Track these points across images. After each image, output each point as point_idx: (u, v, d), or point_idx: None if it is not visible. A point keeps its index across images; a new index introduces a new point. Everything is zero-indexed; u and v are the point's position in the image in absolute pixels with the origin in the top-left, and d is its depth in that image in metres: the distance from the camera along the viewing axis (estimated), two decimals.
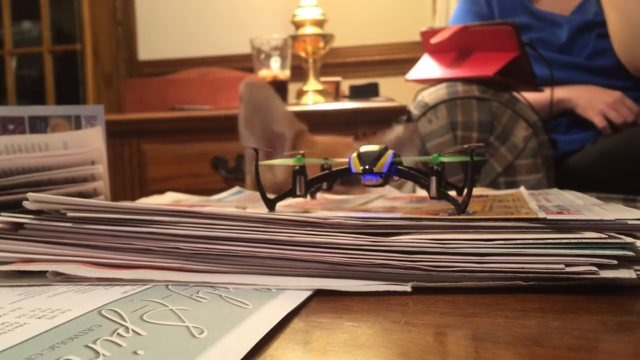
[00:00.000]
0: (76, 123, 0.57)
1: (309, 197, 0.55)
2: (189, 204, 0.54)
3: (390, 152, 0.44)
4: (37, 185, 0.51)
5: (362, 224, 0.37)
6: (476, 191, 0.68)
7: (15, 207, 0.40)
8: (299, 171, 0.46)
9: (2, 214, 0.38)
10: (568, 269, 0.33)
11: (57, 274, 0.35)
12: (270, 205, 0.45)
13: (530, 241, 0.34)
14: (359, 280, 0.35)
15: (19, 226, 0.38)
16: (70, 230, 0.37)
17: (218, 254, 0.36)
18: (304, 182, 0.46)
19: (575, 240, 0.33)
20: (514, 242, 0.34)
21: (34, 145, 0.53)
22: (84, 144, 0.54)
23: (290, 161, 0.46)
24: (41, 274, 0.36)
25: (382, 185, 0.44)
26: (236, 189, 0.68)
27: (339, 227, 0.36)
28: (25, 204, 0.37)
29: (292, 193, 0.46)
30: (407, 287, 0.33)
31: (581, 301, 0.32)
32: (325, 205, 0.55)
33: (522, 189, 0.63)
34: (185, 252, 0.36)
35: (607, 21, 1.20)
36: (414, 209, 0.46)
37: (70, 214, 0.37)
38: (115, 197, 0.66)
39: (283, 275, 0.36)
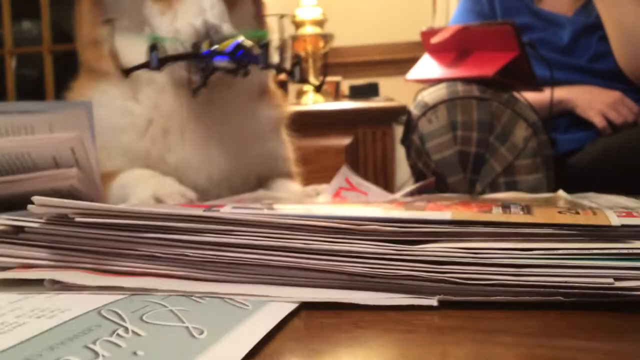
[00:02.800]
0: None
1: (324, 194, 0.55)
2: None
3: (239, 37, 0.51)
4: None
5: (400, 230, 0.33)
6: (506, 196, 0.65)
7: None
8: (153, 47, 0.54)
9: (2, 216, 0.37)
10: (617, 284, 0.29)
11: (54, 282, 0.33)
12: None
13: (574, 251, 0.30)
14: (381, 292, 0.32)
15: (19, 229, 0.36)
16: (72, 235, 0.35)
17: (227, 262, 0.34)
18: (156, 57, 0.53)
19: (626, 251, 0.30)
20: (555, 252, 0.30)
21: (20, 128, 0.52)
22: (69, 127, 0.53)
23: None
24: (40, 281, 0.34)
25: (234, 71, 0.51)
26: None
27: (374, 235, 0.33)
28: (31, 207, 0.35)
29: (146, 65, 0.53)
30: (434, 301, 0.30)
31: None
32: (351, 199, 0.50)
33: (561, 192, 0.56)
34: (192, 259, 0.34)
35: (606, 32, 1.20)
36: (459, 206, 0.40)
37: (78, 219, 0.35)
38: None
39: (298, 285, 0.33)
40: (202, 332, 0.26)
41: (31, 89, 2.65)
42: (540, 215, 0.34)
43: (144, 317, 0.28)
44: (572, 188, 0.63)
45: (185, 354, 0.23)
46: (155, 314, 0.28)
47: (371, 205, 0.42)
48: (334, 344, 0.26)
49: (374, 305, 0.31)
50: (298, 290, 0.32)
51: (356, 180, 0.63)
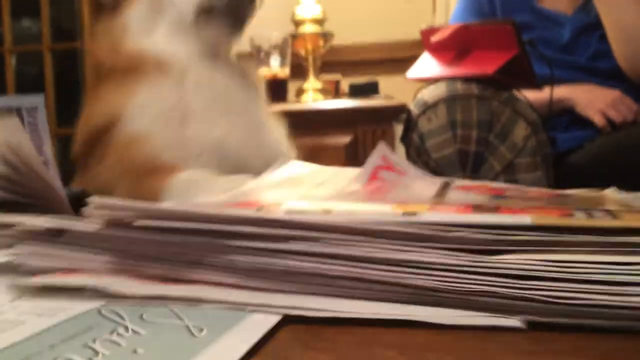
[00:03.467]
0: (19, 115, 0.52)
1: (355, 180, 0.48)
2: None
3: None
4: None
5: (492, 239, 0.28)
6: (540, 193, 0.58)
7: None
8: None
9: (45, 216, 0.34)
10: None
11: (96, 290, 0.30)
12: None
13: None
14: (451, 309, 0.28)
15: (59, 232, 0.33)
16: (129, 239, 0.32)
17: (281, 270, 0.30)
18: None
19: None
20: None
21: None
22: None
23: None
24: (71, 290, 0.31)
25: None
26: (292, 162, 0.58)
27: (460, 243, 0.29)
28: (87, 210, 0.33)
29: None
30: (518, 322, 0.27)
31: None
32: (381, 195, 0.44)
33: (608, 191, 0.48)
34: (242, 266, 0.31)
35: (606, 31, 1.20)
36: (533, 207, 0.34)
37: (139, 222, 0.32)
38: None
39: (358, 298, 0.29)
40: (201, 331, 0.26)
41: (31, 87, 2.65)
42: (633, 220, 0.29)
43: (143, 316, 0.28)
44: (571, 187, 0.63)
45: (184, 353, 0.24)
46: (155, 313, 0.28)
47: (433, 206, 0.34)
48: (333, 341, 0.26)
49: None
50: (357, 303, 0.29)
51: (394, 158, 0.56)
